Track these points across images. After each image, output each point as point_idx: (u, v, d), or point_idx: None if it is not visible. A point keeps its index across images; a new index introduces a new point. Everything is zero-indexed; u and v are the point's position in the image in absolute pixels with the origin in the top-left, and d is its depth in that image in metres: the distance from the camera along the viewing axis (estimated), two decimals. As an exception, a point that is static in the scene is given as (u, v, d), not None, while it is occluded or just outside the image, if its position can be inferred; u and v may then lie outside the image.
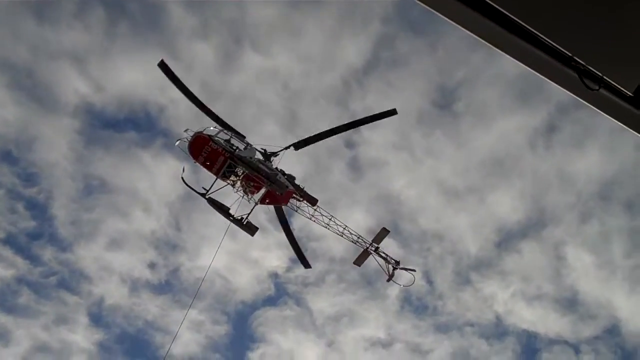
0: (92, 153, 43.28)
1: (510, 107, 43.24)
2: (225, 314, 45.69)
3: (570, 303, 44.64)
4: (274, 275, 44.40)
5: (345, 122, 19.56)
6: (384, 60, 42.89)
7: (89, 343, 43.43)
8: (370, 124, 19.67)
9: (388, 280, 20.77)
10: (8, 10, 35.17)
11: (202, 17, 39.26)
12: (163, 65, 19.03)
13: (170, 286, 45.41)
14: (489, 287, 45.17)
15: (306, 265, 21.92)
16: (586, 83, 3.41)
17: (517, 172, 44.14)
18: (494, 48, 3.29)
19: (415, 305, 45.54)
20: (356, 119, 19.74)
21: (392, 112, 19.45)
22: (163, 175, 42.45)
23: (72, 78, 39.36)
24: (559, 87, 3.46)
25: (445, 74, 41.99)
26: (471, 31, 3.20)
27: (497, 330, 45.62)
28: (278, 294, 46.15)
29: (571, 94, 3.51)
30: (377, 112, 19.47)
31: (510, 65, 38.23)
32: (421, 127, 44.39)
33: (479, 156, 44.13)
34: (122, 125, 45.71)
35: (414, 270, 20.66)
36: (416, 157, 44.26)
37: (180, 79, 19.18)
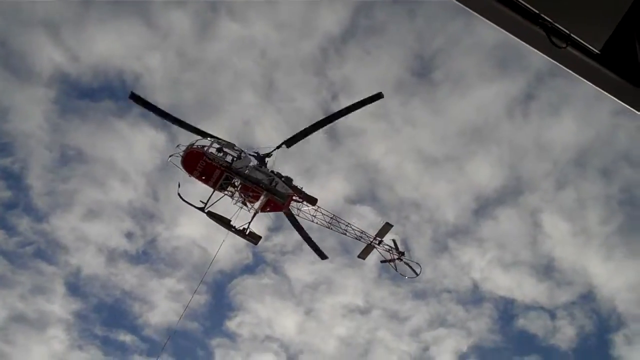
0: (68, 122, 43.45)
1: (488, 76, 44.51)
2: (204, 283, 45.80)
3: (546, 270, 45.97)
4: (252, 245, 44.20)
5: (333, 113, 19.73)
6: (362, 28, 43.72)
7: (67, 313, 43.74)
8: (362, 106, 19.79)
9: (396, 269, 21.03)
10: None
11: (178, -16, 39.08)
12: (135, 97, 19.20)
13: (147, 256, 46.04)
14: (466, 254, 46.31)
15: (322, 256, 21.98)
16: (553, 41, 3.54)
17: (495, 140, 45.21)
18: (462, 5, 3.42)
19: (392, 273, 45.96)
20: (342, 107, 19.99)
21: (379, 96, 19.58)
22: (140, 144, 43.44)
23: (47, 47, 39.65)
24: (527, 45, 3.60)
25: (424, 42, 42.90)
26: None
27: (474, 297, 46.72)
28: (256, 262, 46.58)
29: (539, 53, 3.65)
30: (362, 96, 19.77)
31: (488, 35, 39.12)
32: (399, 96, 45.08)
33: (457, 125, 45.22)
34: (98, 94, 46.11)
35: (418, 265, 20.95)
36: (394, 125, 45.04)
37: (155, 105, 19.35)
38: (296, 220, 20.33)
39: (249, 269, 47.18)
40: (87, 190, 43.96)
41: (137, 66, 42.33)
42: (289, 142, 19.51)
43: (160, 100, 41.37)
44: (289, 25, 42.64)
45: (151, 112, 19.57)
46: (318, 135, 43.14)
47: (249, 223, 19.42)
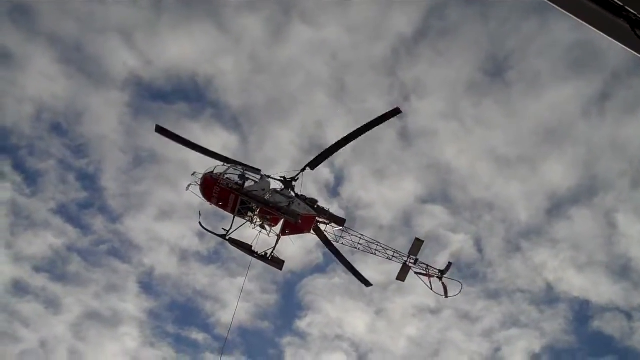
0: (141, 125, 44.94)
1: (563, 76, 44.63)
2: (274, 283, 47.11)
3: (622, 270, 45.39)
4: (323, 245, 44.73)
5: (352, 131, 19.57)
6: (434, 29, 44.42)
7: (139, 311, 45.37)
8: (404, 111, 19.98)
9: (431, 287, 20.72)
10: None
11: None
12: (160, 130, 19.83)
13: (218, 256, 46.59)
14: (539, 255, 46.31)
15: (367, 284, 21.96)
16: (638, 34, 3.50)
17: (570, 139, 45.50)
18: (544, 0, 3.40)
19: (465, 273, 46.43)
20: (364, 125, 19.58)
21: (396, 112, 19.46)
22: (213, 145, 43.70)
23: (120, 52, 41.81)
24: (609, 38, 3.57)
25: (497, 43, 43.52)
26: None
27: (548, 297, 46.67)
28: (326, 262, 46.28)
29: (622, 46, 3.61)
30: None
31: (563, 34, 39.97)
32: (471, 96, 45.99)
33: (530, 125, 45.62)
34: (171, 97, 47.72)
35: (459, 282, 20.62)
36: (466, 126, 45.79)
37: (179, 136, 20.00)
38: (328, 240, 20.43)
39: (320, 269, 47.27)
40: (160, 191, 45.46)
41: (210, 69, 44.19)
42: (312, 164, 19.72)
43: (232, 102, 45.02)
44: (361, 27, 43.83)
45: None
46: (390, 135, 44.28)
47: (273, 248, 19.48)
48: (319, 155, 19.63)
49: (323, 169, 42.31)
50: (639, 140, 43.09)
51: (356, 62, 44.94)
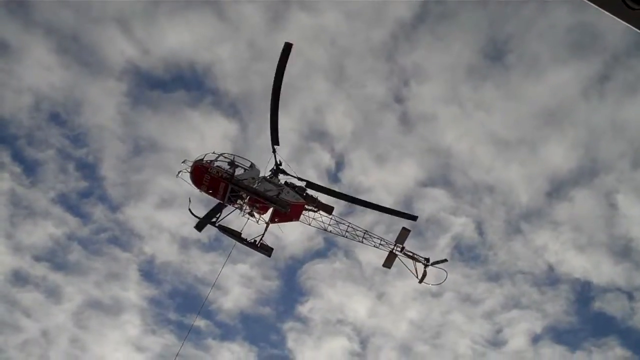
0: (139, 114, 45.43)
1: (563, 58, 44.98)
2: (275, 269, 47.77)
3: (623, 251, 46.02)
4: (324, 232, 45.46)
5: (369, 201, 20.91)
6: (433, 13, 44.80)
7: (141, 299, 45.85)
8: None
9: (420, 282, 20.60)
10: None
11: (248, -24, 40.32)
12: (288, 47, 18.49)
13: (219, 243, 47.00)
14: (540, 237, 46.84)
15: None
16: (627, 2, 3.45)
17: (570, 121, 45.92)
18: None
19: (466, 256, 47.03)
20: (381, 205, 21.15)
21: (413, 218, 21.10)
22: (212, 134, 44.86)
23: (118, 41, 42.12)
24: (600, 9, 3.50)
25: (496, 27, 43.83)
26: None
27: (550, 279, 47.16)
28: (327, 247, 47.08)
29: (611, 15, 3.55)
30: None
31: (562, 16, 40.30)
32: (471, 80, 46.33)
33: (530, 108, 46.20)
34: (170, 85, 47.69)
35: (446, 261, 20.48)
36: (466, 110, 46.27)
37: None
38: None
39: (321, 254, 47.72)
40: (159, 180, 45.46)
41: (208, 57, 44.39)
42: (311, 186, 20.13)
43: (231, 89, 45.44)
44: (359, 13, 43.92)
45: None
46: (390, 120, 44.47)
47: (262, 235, 19.45)
48: (324, 187, 20.28)
49: (323, 154, 42.22)
50: (639, 121, 43.29)
51: (355, 48, 45.27)
